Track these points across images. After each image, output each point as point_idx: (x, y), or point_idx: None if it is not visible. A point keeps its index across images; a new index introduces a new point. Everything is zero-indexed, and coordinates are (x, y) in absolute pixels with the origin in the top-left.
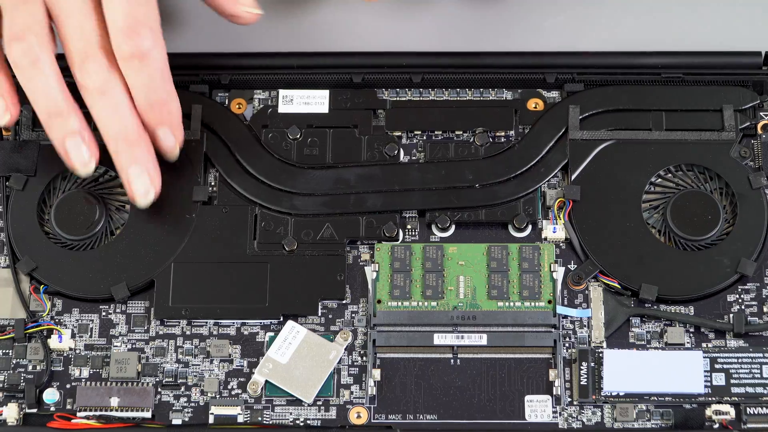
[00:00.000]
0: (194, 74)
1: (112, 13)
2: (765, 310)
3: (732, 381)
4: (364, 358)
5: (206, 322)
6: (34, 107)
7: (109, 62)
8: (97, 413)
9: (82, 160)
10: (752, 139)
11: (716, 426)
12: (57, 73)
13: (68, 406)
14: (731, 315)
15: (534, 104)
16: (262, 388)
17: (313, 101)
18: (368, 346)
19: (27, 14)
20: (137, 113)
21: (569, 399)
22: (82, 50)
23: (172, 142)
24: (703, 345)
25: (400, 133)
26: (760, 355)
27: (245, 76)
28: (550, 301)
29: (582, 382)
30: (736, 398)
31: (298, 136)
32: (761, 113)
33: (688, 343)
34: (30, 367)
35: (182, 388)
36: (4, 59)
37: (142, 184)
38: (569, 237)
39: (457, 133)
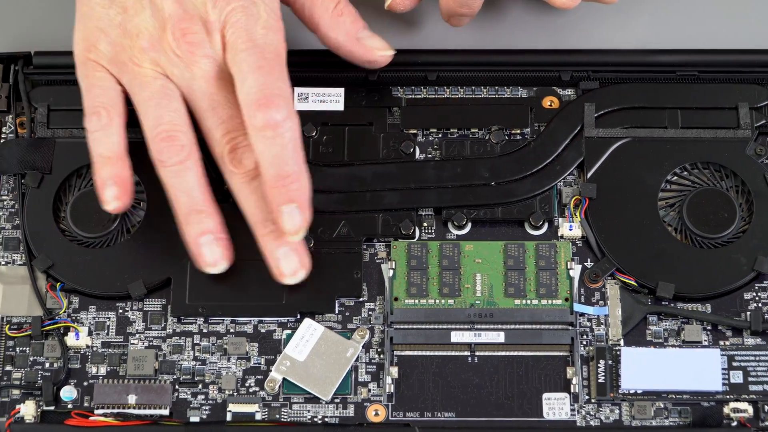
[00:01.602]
0: None
1: (245, 87)
2: None
3: (750, 379)
4: (382, 356)
5: (223, 320)
6: (174, 204)
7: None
8: (115, 411)
9: (213, 258)
10: (767, 136)
11: (734, 424)
12: (202, 173)
13: (86, 404)
14: (748, 313)
15: (549, 102)
16: (279, 386)
17: (329, 99)
18: (385, 343)
19: (172, 112)
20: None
21: (587, 397)
22: (234, 140)
23: (299, 222)
24: (721, 343)
25: (415, 131)
26: None
27: None
28: (567, 299)
29: (600, 380)
30: (753, 396)
31: (314, 134)
32: None
33: (705, 340)
34: (47, 365)
35: (200, 386)
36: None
37: (291, 265)
38: (586, 235)
39: (472, 130)
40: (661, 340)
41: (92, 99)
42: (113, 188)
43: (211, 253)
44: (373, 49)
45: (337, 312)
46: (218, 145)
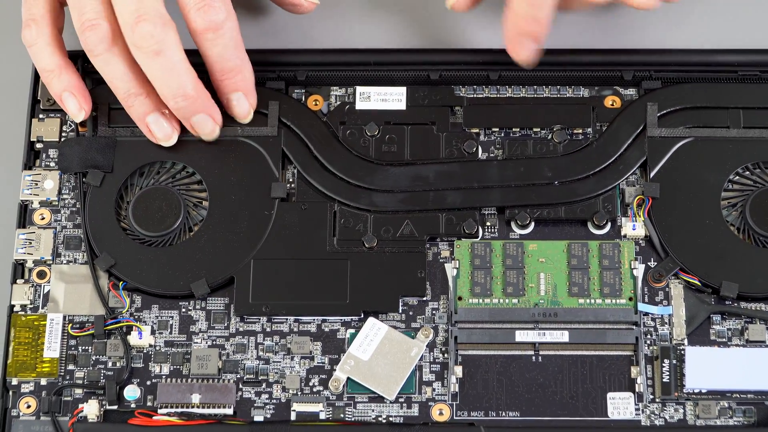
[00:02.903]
0: (271, 70)
1: None
2: None
3: None
4: (446, 355)
5: (286, 319)
6: (114, 92)
7: (162, 22)
8: (179, 410)
9: (163, 133)
10: None
11: None
12: (129, 56)
13: (149, 403)
14: None
15: (611, 101)
16: (343, 385)
17: (391, 98)
18: (450, 342)
19: (95, 2)
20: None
21: (651, 396)
22: (135, 12)
23: (246, 107)
24: None
25: (477, 130)
26: None
27: (322, 73)
28: (630, 299)
29: (664, 380)
30: None
31: (376, 133)
32: None
33: None
34: (110, 364)
35: (263, 385)
36: (66, 55)
37: (209, 128)
38: (649, 234)
39: (534, 130)
40: (724, 340)
41: (25, 11)
42: (72, 99)
43: (160, 129)
44: None
45: (400, 311)
46: (124, 18)
